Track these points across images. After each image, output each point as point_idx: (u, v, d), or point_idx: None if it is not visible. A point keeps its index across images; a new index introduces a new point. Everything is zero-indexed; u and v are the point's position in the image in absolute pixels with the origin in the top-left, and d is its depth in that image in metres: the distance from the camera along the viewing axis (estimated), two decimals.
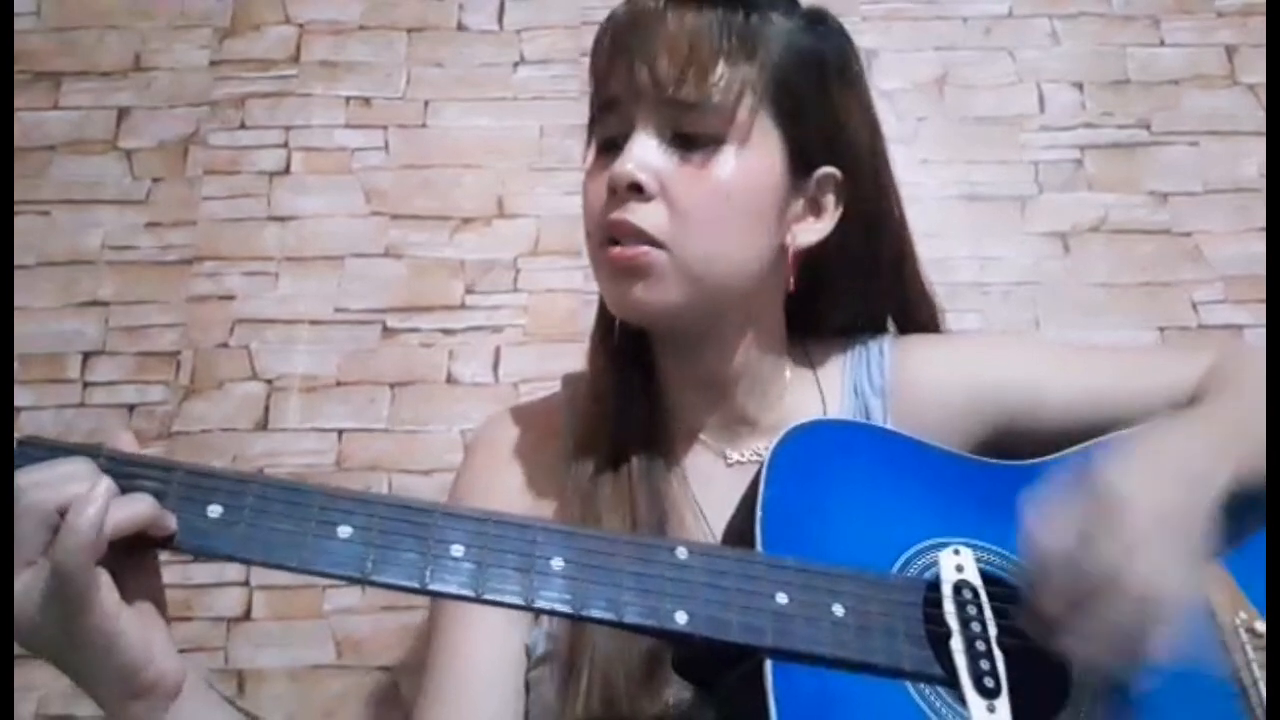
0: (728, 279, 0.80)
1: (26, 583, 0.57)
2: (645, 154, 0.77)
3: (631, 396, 0.85)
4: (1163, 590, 0.61)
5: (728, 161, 0.78)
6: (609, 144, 0.81)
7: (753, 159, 0.79)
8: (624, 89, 0.79)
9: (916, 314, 0.94)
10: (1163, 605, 0.61)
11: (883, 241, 0.89)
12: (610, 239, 0.78)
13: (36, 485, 0.58)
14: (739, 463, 0.85)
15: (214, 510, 0.60)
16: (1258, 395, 0.75)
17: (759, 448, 0.85)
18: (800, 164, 0.81)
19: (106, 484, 0.58)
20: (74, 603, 0.57)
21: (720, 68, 0.77)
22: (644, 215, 0.77)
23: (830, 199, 0.84)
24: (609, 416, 0.84)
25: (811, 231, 0.84)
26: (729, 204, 0.78)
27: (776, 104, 0.79)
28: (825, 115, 0.82)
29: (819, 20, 0.84)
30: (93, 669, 0.59)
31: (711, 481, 0.84)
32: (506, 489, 0.86)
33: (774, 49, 0.79)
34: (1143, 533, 0.62)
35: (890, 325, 0.94)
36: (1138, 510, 0.62)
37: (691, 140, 0.78)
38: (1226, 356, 0.83)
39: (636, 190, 0.77)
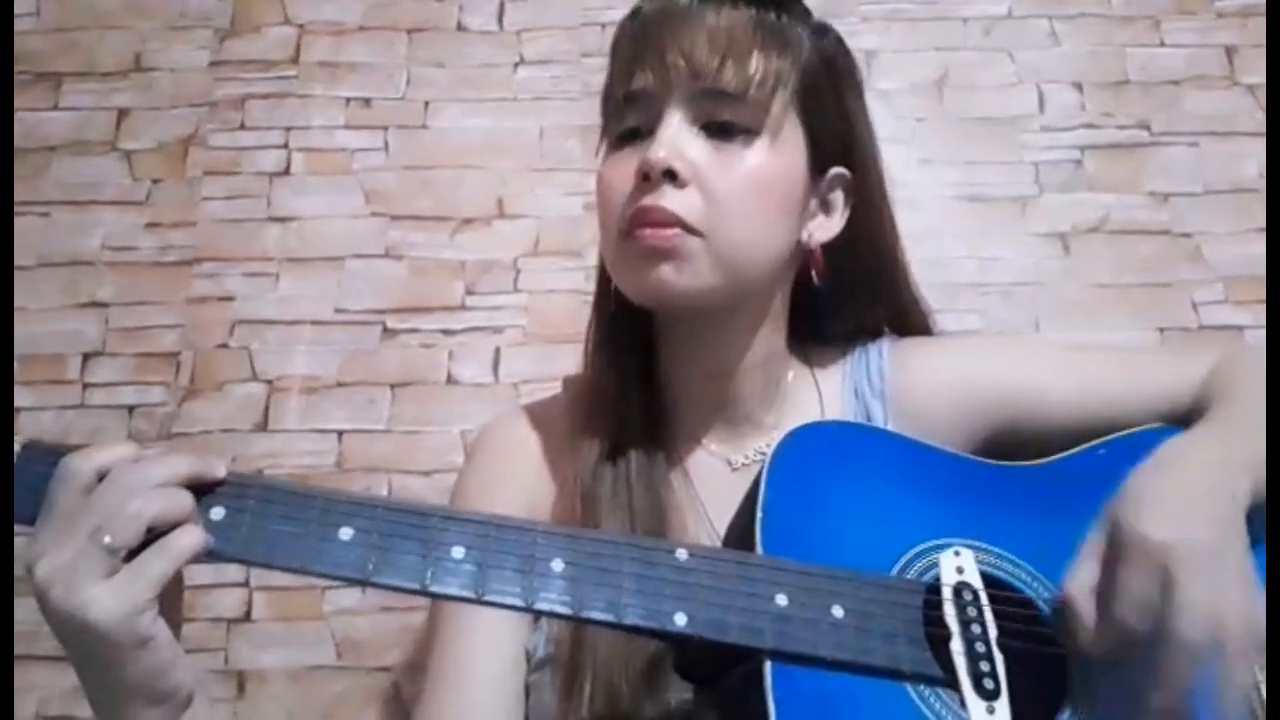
0: (756, 269, 0.81)
1: (69, 556, 0.56)
2: (679, 141, 0.77)
3: (633, 395, 0.85)
4: (1232, 628, 0.60)
5: (761, 152, 0.79)
6: (631, 134, 0.81)
7: (783, 152, 0.80)
8: (654, 79, 0.79)
9: (911, 321, 0.94)
10: (1240, 639, 0.60)
11: (880, 244, 0.90)
12: (637, 225, 0.77)
13: (74, 455, 0.59)
14: (744, 465, 0.85)
15: (216, 513, 0.60)
16: (1262, 400, 0.74)
17: (761, 446, 0.85)
18: (818, 162, 0.84)
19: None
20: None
21: (757, 60, 0.78)
22: (679, 201, 0.76)
23: (840, 198, 0.86)
24: (610, 415, 0.84)
25: (825, 229, 0.85)
26: (763, 194, 0.79)
27: (802, 102, 0.82)
28: (840, 117, 0.85)
29: (826, 30, 0.87)
30: (120, 664, 0.57)
31: (716, 484, 0.84)
32: (509, 491, 0.86)
33: (802, 49, 0.82)
34: (1190, 579, 0.60)
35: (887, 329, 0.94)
36: (1179, 558, 0.60)
37: (726, 129, 0.78)
38: (1228, 358, 0.82)
39: (670, 177, 0.76)
